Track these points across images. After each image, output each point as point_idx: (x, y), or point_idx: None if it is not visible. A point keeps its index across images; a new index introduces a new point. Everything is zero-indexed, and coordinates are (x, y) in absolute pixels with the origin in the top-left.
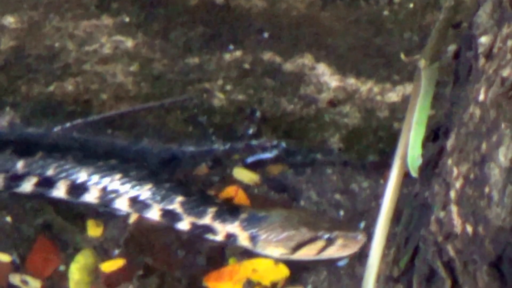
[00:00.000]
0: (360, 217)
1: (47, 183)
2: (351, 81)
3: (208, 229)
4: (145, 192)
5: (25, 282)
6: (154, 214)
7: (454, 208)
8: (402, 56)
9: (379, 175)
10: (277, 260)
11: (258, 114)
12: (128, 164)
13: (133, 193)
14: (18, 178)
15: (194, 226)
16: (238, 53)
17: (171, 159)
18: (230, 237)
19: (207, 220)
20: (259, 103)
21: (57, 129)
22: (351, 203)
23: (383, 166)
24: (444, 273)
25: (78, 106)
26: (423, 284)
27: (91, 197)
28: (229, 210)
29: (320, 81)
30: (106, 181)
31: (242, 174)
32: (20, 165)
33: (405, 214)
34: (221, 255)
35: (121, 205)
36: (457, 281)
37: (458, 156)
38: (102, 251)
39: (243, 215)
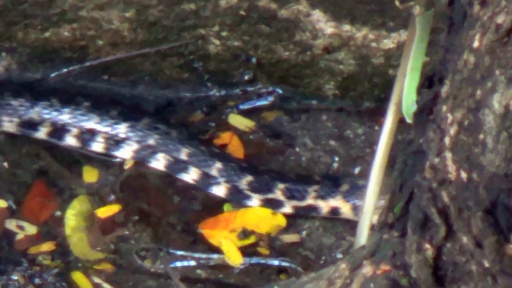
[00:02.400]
0: (354, 163)
1: (148, 152)
2: (346, 27)
3: (311, 208)
4: (245, 183)
5: (21, 227)
6: (254, 203)
7: (448, 155)
8: (397, 3)
9: (374, 121)
10: (274, 211)
11: (253, 60)
12: (228, 154)
13: (234, 183)
14: (118, 142)
15: (297, 208)
16: (234, 0)
17: (167, 105)
18: (334, 210)
19: (309, 201)
20: (254, 50)
21: (53, 74)
22: (346, 149)
23: (378, 112)
24: (438, 219)
25: (74, 52)
26: (418, 230)
27: (189, 177)
28: (329, 186)
29: (315, 27)
30: (208, 167)
31: (238, 120)
32: (122, 129)
33: (399, 160)
34: (216, 201)
35: (219, 192)
36: (451, 227)
37: (452, 103)
38: (98, 197)
39: (344, 187)
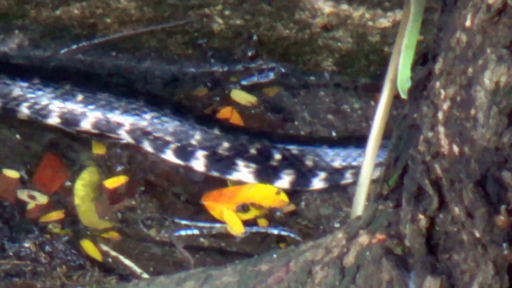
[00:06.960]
0: (351, 137)
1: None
2: (344, 7)
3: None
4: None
5: (32, 197)
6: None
7: (441, 129)
8: None
9: (370, 96)
10: (279, 189)
11: (255, 38)
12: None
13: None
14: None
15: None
16: None
17: (172, 80)
18: None
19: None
20: (256, 28)
21: (63, 51)
22: (343, 124)
23: (374, 88)
24: (431, 190)
25: (84, 29)
26: (412, 201)
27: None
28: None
29: (314, 7)
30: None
31: (240, 96)
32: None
33: (394, 134)
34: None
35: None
36: (444, 198)
37: (445, 79)
38: (106, 168)
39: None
